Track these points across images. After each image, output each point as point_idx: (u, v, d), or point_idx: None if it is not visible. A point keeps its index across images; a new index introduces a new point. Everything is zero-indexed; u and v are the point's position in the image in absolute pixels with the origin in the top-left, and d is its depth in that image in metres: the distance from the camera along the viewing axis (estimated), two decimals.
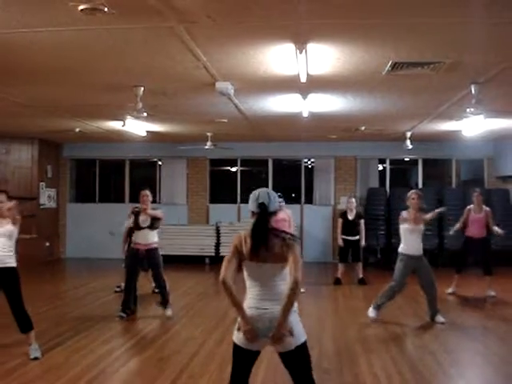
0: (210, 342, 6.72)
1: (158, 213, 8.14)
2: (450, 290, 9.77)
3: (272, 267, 3.49)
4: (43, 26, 5.15)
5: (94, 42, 5.71)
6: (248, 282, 3.59)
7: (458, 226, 9.84)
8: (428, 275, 7.75)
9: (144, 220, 8.04)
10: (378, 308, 7.79)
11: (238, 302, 3.48)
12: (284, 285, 3.49)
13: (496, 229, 9.48)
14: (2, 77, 7.22)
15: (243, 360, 3.57)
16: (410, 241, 7.71)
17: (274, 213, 3.63)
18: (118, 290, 9.82)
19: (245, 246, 3.52)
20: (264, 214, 3.56)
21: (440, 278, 9.25)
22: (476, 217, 9.69)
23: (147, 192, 8.15)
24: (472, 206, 9.80)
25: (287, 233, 3.61)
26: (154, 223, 8.08)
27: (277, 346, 3.47)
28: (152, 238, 8.10)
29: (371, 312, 7.80)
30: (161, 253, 8.23)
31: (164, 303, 8.18)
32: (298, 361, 3.52)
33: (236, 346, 3.55)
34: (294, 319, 3.50)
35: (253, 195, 3.65)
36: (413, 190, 8.08)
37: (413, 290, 8.43)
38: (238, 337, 3.52)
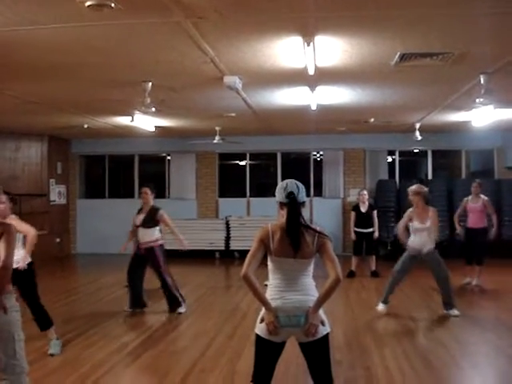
0: (220, 336, 6.73)
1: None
2: (466, 281, 9.68)
3: (300, 263, 3.48)
4: (50, 23, 5.15)
5: (100, 37, 5.70)
6: (271, 274, 3.57)
7: (457, 224, 9.94)
8: (435, 271, 7.64)
9: (139, 219, 7.97)
10: (386, 302, 7.77)
11: (262, 296, 3.46)
12: (307, 277, 3.53)
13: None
14: (9, 74, 7.23)
15: (267, 352, 3.52)
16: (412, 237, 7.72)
17: (303, 204, 3.57)
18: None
19: (272, 240, 3.46)
20: (294, 204, 3.49)
21: (450, 269, 9.21)
22: (472, 206, 9.64)
23: (147, 190, 7.99)
24: (470, 196, 9.76)
25: (316, 230, 3.51)
26: (146, 222, 7.91)
27: (307, 336, 3.42)
28: (148, 236, 7.88)
29: (380, 306, 7.76)
30: (165, 248, 8.06)
31: (172, 304, 7.93)
32: (321, 350, 3.50)
33: (259, 338, 3.51)
34: (321, 309, 3.52)
35: (280, 185, 3.60)
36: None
37: (425, 282, 8.41)
38: (260, 328, 3.49)
